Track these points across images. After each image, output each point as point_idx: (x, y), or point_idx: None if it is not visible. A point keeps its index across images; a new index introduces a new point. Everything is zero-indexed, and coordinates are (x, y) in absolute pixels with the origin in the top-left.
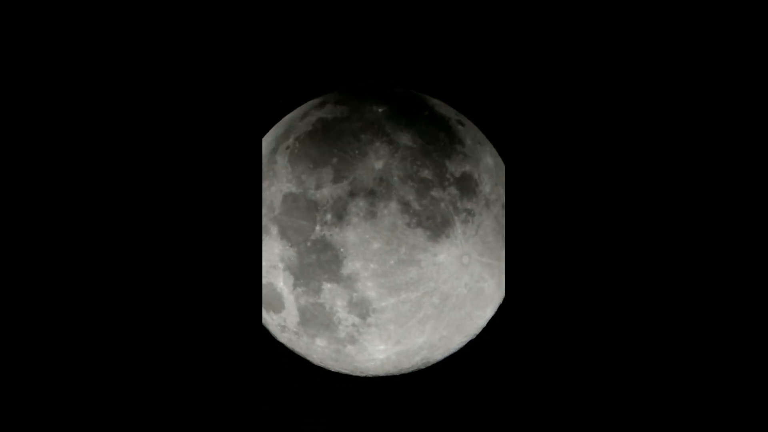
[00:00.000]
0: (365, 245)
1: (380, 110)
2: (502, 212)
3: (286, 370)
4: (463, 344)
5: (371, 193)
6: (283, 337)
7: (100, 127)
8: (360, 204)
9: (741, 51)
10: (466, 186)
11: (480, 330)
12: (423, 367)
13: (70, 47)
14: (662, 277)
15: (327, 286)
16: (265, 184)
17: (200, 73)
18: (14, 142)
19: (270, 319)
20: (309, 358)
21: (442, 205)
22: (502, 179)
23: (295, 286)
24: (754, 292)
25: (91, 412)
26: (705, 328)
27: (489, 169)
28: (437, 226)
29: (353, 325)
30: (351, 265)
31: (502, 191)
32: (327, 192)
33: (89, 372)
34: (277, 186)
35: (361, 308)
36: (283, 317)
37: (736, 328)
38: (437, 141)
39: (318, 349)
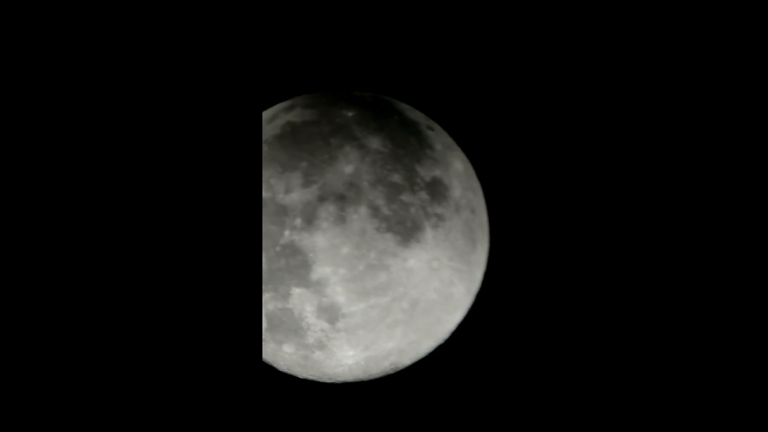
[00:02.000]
0: (335, 250)
1: (350, 114)
2: (472, 217)
3: (252, 378)
4: (432, 349)
5: (341, 198)
6: None
7: (79, 126)
8: (329, 209)
9: (722, 53)
10: (436, 191)
11: (449, 335)
12: (392, 372)
13: (63, 40)
14: (636, 280)
15: (296, 291)
16: None
17: (193, 75)
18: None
19: None
20: (276, 365)
21: (412, 209)
22: (472, 184)
23: (263, 291)
24: (736, 287)
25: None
26: (688, 328)
27: (459, 174)
28: (407, 231)
29: (322, 330)
30: (320, 270)
31: (471, 196)
32: (296, 196)
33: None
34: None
35: (330, 313)
36: None
37: (719, 326)
38: (407, 145)
39: (285, 356)
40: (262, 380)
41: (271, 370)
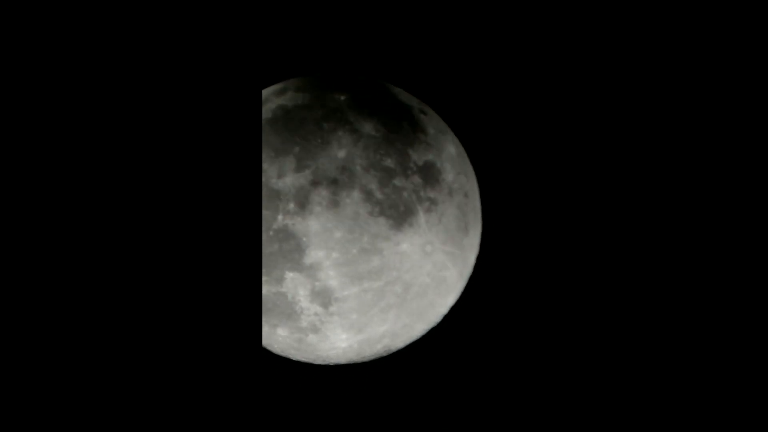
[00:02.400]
0: (328, 234)
1: (342, 98)
2: (465, 201)
3: (247, 360)
4: (425, 332)
5: (334, 182)
6: None
7: (78, 126)
8: (323, 193)
9: (718, 53)
10: (429, 175)
11: (441, 318)
12: (385, 354)
13: (61, 36)
14: (628, 266)
15: (289, 275)
16: None
17: (191, 74)
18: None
19: None
20: (270, 348)
21: (405, 194)
22: (465, 168)
23: None
24: (728, 284)
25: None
26: (676, 318)
27: (451, 158)
28: (400, 215)
29: (315, 314)
30: (314, 254)
31: (464, 180)
32: (289, 181)
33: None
34: None
35: (324, 297)
36: None
37: (715, 325)
38: (400, 130)
39: (279, 339)
40: (262, 366)
41: (265, 352)
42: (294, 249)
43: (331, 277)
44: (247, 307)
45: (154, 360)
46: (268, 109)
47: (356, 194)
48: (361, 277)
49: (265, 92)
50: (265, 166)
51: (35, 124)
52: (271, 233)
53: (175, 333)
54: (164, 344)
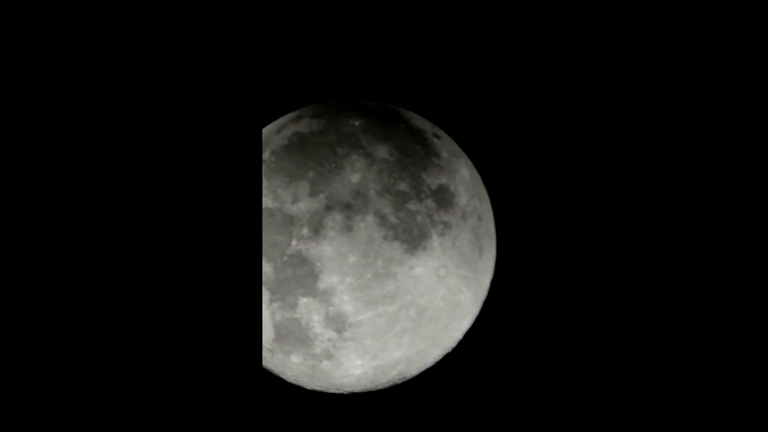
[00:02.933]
0: (342, 259)
1: (356, 123)
2: (479, 224)
3: (260, 390)
4: (440, 357)
5: (348, 207)
6: None
7: (95, 131)
8: (336, 218)
9: (731, 55)
10: (443, 198)
11: (456, 343)
12: (399, 382)
13: (67, 45)
14: (643, 287)
15: (303, 300)
16: None
17: (196, 81)
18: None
19: None
20: (283, 376)
21: (419, 217)
22: (478, 191)
23: (270, 301)
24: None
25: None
26: (695, 338)
27: (465, 182)
28: (414, 239)
29: (329, 339)
30: (327, 279)
31: (478, 203)
32: (303, 206)
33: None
34: None
35: (338, 322)
36: None
37: (727, 346)
38: (413, 154)
39: (293, 366)
40: (263, 387)
41: (278, 381)
42: (308, 274)
43: (345, 302)
44: (247, 331)
45: (156, 384)
46: (284, 136)
47: (370, 218)
48: (375, 302)
49: (282, 120)
50: (279, 191)
51: (38, 160)
52: (285, 258)
53: (175, 353)
54: (166, 364)
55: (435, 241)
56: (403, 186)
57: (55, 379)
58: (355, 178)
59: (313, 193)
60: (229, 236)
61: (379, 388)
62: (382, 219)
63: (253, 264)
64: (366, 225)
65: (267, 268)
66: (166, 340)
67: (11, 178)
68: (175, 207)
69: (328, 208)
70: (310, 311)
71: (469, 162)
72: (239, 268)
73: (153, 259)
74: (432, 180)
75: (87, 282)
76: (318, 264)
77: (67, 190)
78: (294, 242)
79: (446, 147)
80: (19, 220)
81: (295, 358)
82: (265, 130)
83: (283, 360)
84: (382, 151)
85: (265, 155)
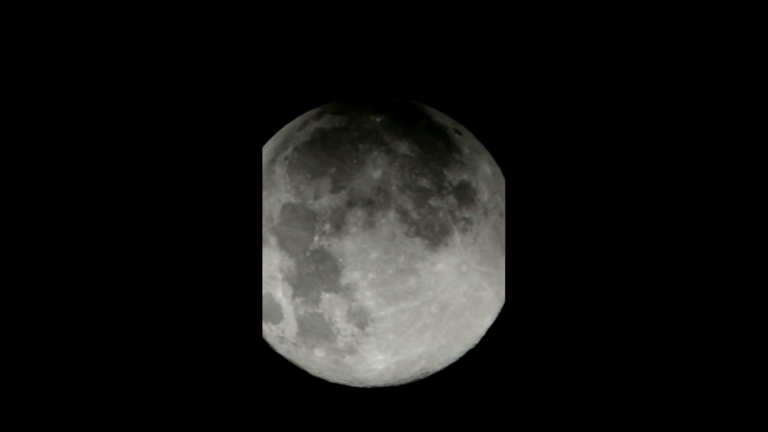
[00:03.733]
0: (364, 255)
1: (378, 120)
2: (500, 220)
3: (285, 382)
4: (463, 354)
5: (369, 203)
6: (281, 349)
7: (98, 133)
8: (358, 213)
9: (746, 53)
10: (464, 194)
11: (479, 339)
12: (422, 377)
13: (70, 54)
14: (662, 284)
15: (326, 296)
16: (263, 194)
17: (198, 82)
18: (15, 150)
19: (268, 330)
20: (308, 369)
21: (441, 213)
22: (500, 187)
23: (294, 296)
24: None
25: (87, 422)
26: (706, 330)
27: (487, 178)
28: (435, 235)
29: (352, 335)
30: (349, 275)
31: (499, 199)
32: (325, 202)
33: (82, 379)
34: (276, 196)
35: (360, 318)
36: (282, 328)
37: (737, 344)
38: (435, 150)
39: (317, 360)
40: (261, 365)
41: (303, 374)
42: (330, 270)
43: (367, 298)
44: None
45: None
46: (306, 132)
47: (392, 214)
48: (397, 298)
49: (304, 116)
50: (301, 187)
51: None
52: (307, 254)
53: (179, 345)
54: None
55: (457, 237)
56: (424, 182)
57: (54, 344)
58: (377, 174)
59: (335, 189)
60: (230, 218)
61: (402, 383)
62: (403, 215)
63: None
64: (388, 221)
65: (290, 263)
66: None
67: (12, 178)
68: (176, 194)
69: (350, 204)
70: (332, 306)
71: (491, 158)
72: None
73: (157, 241)
74: (454, 176)
75: (85, 272)
76: (340, 260)
77: (66, 181)
78: (316, 238)
79: (468, 143)
80: (22, 217)
81: (319, 353)
82: (287, 127)
83: (306, 354)
84: (403, 147)
85: (288, 151)
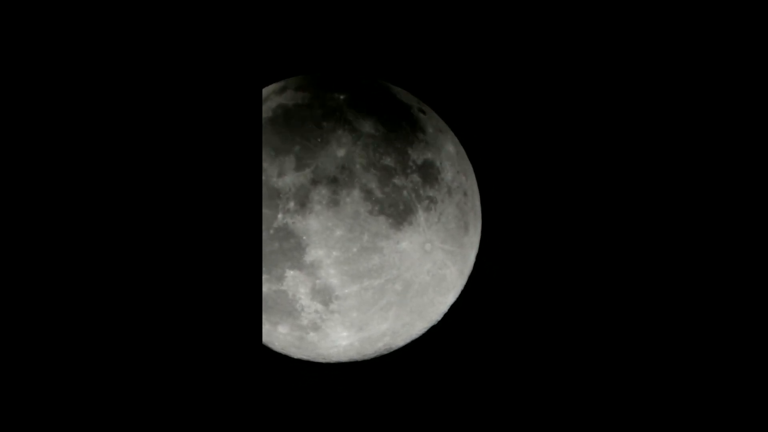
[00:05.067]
0: (328, 233)
1: (342, 97)
2: (464, 200)
3: (246, 358)
4: (425, 330)
5: (334, 181)
6: None
7: (84, 120)
8: (322, 192)
9: (717, 53)
10: (428, 173)
11: (441, 316)
12: (385, 353)
13: (60, 34)
14: (627, 259)
15: (290, 273)
16: None
17: (160, 52)
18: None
19: None
20: (271, 345)
21: (405, 192)
22: (464, 167)
23: None
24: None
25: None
26: (684, 319)
27: (450, 157)
28: (400, 214)
29: (316, 311)
30: (314, 253)
31: (463, 179)
32: (289, 180)
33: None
34: None
35: (324, 295)
36: None
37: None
38: (399, 129)
39: (280, 336)
40: (262, 363)
41: (266, 350)
42: (294, 247)
43: (331, 276)
44: (247, 305)
45: (153, 357)
46: (268, 108)
47: (356, 193)
48: (361, 276)
49: (265, 90)
50: (265, 165)
51: (34, 124)
52: (271, 232)
53: (176, 331)
54: (164, 341)
55: (421, 216)
56: (388, 161)
57: (57, 340)
58: (341, 152)
59: (299, 167)
60: (229, 215)
61: (366, 358)
62: (368, 193)
63: (253, 245)
64: (352, 199)
65: None
66: (167, 320)
67: (9, 176)
68: (174, 187)
69: (315, 182)
70: (296, 284)
71: (454, 138)
72: (239, 250)
73: (153, 240)
74: (418, 155)
75: (84, 259)
76: (304, 237)
77: (63, 170)
78: (280, 215)
79: (432, 123)
80: (15, 210)
81: (282, 329)
82: None
83: (269, 330)
84: (367, 126)
85: None
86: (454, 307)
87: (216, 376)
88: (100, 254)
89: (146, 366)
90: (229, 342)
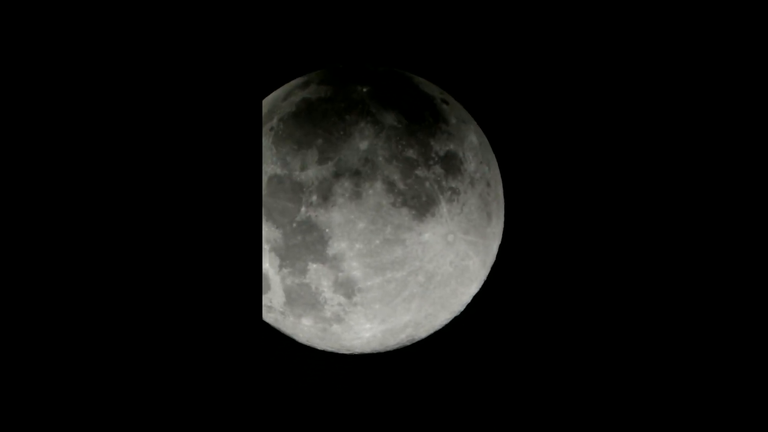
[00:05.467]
0: (350, 225)
1: (365, 90)
2: (487, 190)
3: (272, 349)
4: (448, 321)
5: (356, 174)
6: (269, 317)
7: (87, 117)
8: (345, 184)
9: (740, 51)
10: (451, 165)
11: (464, 306)
12: (408, 344)
13: (60, 35)
14: (649, 251)
15: (313, 266)
16: None
17: (175, 50)
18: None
19: None
20: (295, 337)
21: (427, 184)
22: (487, 157)
23: (281, 267)
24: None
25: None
26: (699, 326)
27: (473, 148)
28: (422, 205)
29: (339, 304)
30: (336, 246)
31: (486, 169)
32: (312, 173)
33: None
34: (262, 168)
35: (347, 288)
36: (269, 298)
37: (728, 347)
38: (422, 120)
39: (304, 329)
40: (264, 343)
41: (290, 342)
42: (317, 240)
43: (354, 268)
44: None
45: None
46: (291, 102)
47: (378, 185)
48: (384, 268)
49: (289, 85)
50: (288, 158)
51: (34, 125)
52: (294, 225)
53: (179, 326)
54: (168, 335)
55: (443, 207)
56: (411, 153)
57: (57, 326)
58: (364, 144)
59: (321, 160)
60: (229, 200)
61: (389, 349)
62: (390, 185)
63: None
64: (375, 192)
65: (276, 234)
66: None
67: (8, 177)
68: (172, 184)
69: (337, 175)
70: (319, 277)
71: (477, 128)
72: (240, 233)
73: (153, 238)
74: (440, 146)
75: (84, 264)
76: (327, 230)
77: (63, 171)
78: (303, 209)
79: (455, 113)
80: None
81: (306, 321)
82: (271, 96)
83: (294, 322)
84: (390, 118)
85: (273, 122)
86: (476, 298)
87: (232, 366)
88: (99, 257)
89: (157, 360)
90: (232, 327)
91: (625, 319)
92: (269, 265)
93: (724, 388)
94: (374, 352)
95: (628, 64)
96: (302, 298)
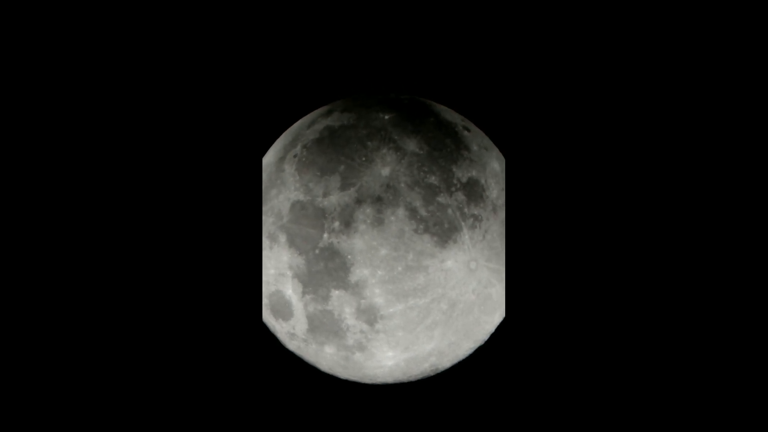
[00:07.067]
0: (373, 252)
1: (387, 117)
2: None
3: (296, 379)
4: (472, 350)
5: (378, 200)
6: (292, 345)
7: (98, 129)
8: (367, 211)
9: (744, 51)
10: (473, 191)
11: (488, 335)
12: (432, 374)
13: (72, 57)
14: (665, 282)
15: (335, 293)
16: (273, 192)
17: (205, 82)
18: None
19: (279, 327)
20: (318, 365)
21: (449, 210)
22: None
23: (303, 293)
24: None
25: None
26: (706, 330)
27: (495, 174)
28: (444, 232)
29: (361, 331)
30: (359, 272)
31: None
32: (334, 199)
33: (92, 383)
34: (285, 194)
35: (369, 315)
36: (292, 325)
37: (739, 346)
38: (444, 147)
39: (327, 357)
40: (272, 361)
41: (313, 370)
42: (339, 267)
43: (376, 295)
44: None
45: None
46: (315, 130)
47: (401, 212)
48: (406, 295)
49: (312, 114)
50: (311, 185)
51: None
52: (317, 252)
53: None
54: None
55: (465, 234)
56: (433, 179)
57: (57, 327)
58: (386, 171)
59: (344, 187)
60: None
61: (412, 379)
62: (412, 212)
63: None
64: (397, 218)
65: (299, 260)
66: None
67: (12, 179)
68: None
69: (359, 201)
70: (342, 303)
71: (499, 155)
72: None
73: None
74: (462, 173)
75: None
76: (349, 257)
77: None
78: (326, 235)
79: (476, 140)
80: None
81: (329, 349)
82: (296, 124)
83: (317, 350)
84: (412, 145)
85: (297, 149)
86: (501, 327)
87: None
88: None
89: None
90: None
91: (651, 339)
92: (292, 291)
93: (727, 395)
94: (397, 382)
95: (647, 86)
96: (325, 325)
